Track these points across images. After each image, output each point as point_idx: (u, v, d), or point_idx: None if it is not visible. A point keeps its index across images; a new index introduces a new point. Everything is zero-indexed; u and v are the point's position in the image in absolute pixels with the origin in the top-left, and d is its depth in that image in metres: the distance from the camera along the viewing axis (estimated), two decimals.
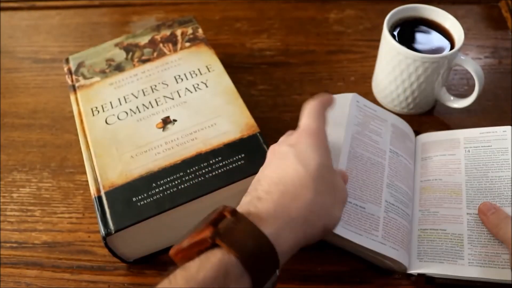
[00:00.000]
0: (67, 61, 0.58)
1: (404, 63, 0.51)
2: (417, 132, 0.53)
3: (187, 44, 0.57)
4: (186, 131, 0.47)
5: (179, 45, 0.57)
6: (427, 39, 0.54)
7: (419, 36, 0.54)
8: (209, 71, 0.53)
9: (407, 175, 0.48)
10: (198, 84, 0.52)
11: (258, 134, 0.46)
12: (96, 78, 0.55)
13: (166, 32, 0.59)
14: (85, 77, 0.55)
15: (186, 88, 0.52)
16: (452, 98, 0.55)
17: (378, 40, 0.55)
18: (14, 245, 0.49)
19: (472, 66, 0.51)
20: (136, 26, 0.70)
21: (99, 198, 0.43)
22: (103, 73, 0.55)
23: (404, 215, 0.45)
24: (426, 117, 0.57)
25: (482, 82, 0.51)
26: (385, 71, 0.55)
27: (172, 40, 0.58)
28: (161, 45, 0.57)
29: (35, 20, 0.73)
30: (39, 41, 0.69)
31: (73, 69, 0.57)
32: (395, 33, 0.54)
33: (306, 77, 0.62)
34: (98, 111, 0.51)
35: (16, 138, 0.59)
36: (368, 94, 0.59)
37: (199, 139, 0.47)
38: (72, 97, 0.53)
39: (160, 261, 0.46)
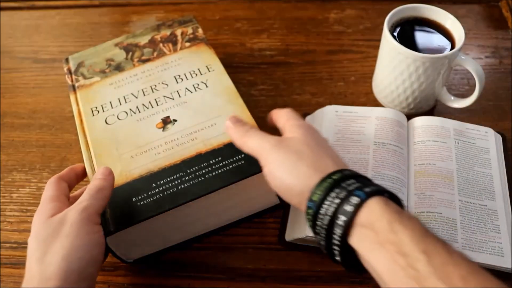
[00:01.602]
0: (67, 61, 0.58)
1: (404, 63, 0.51)
2: (409, 117, 0.53)
3: (187, 44, 0.57)
4: (186, 131, 0.47)
5: (179, 45, 0.57)
6: (427, 39, 0.54)
7: (419, 36, 0.54)
8: (209, 71, 0.53)
9: (398, 161, 0.49)
10: (198, 84, 0.52)
11: None
12: (96, 78, 0.55)
13: (166, 32, 0.59)
14: (85, 77, 0.55)
15: (186, 88, 0.52)
16: (452, 98, 0.55)
17: (379, 40, 0.55)
18: (14, 245, 0.49)
19: (472, 66, 0.50)
20: (136, 25, 0.70)
21: None
22: (103, 73, 0.55)
23: None
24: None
25: (482, 82, 0.51)
26: (385, 71, 0.54)
27: (172, 40, 0.58)
28: (161, 45, 0.57)
29: (35, 20, 0.73)
30: (39, 41, 0.69)
31: (72, 69, 0.56)
32: (396, 33, 0.54)
33: (306, 77, 0.62)
34: (98, 111, 0.51)
35: (16, 138, 0.59)
36: (368, 94, 0.59)
37: (199, 139, 0.46)
38: (72, 97, 0.53)
39: (160, 261, 0.46)
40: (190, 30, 0.59)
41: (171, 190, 0.43)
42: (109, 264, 0.46)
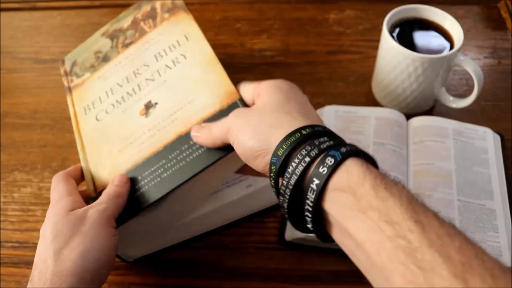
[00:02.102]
0: (63, 62, 0.56)
1: (403, 63, 0.51)
2: (408, 117, 0.54)
3: (166, 15, 0.53)
4: (167, 113, 0.44)
5: (158, 19, 0.53)
6: (426, 39, 0.54)
7: (418, 37, 0.54)
8: (187, 40, 0.49)
9: (397, 161, 0.49)
10: (177, 58, 0.48)
11: (238, 101, 0.41)
12: (87, 74, 0.52)
13: (147, 8, 0.55)
14: (77, 76, 0.53)
15: (166, 65, 0.48)
16: (451, 98, 0.55)
17: (378, 41, 0.55)
18: (16, 244, 0.49)
19: (471, 66, 0.51)
20: None
21: (94, 199, 0.41)
22: (93, 67, 0.53)
23: None
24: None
25: (481, 82, 0.51)
26: (384, 71, 0.55)
27: (152, 15, 0.54)
28: (141, 23, 0.54)
29: (36, 20, 0.73)
30: (40, 41, 0.69)
31: (68, 69, 0.55)
32: (395, 33, 0.54)
33: (306, 77, 0.62)
34: (90, 109, 0.49)
35: (17, 138, 0.59)
36: (368, 94, 0.60)
37: (179, 119, 0.43)
38: (69, 99, 0.52)
39: (160, 261, 0.47)
40: (169, 0, 0.54)
41: (155, 181, 0.40)
42: None
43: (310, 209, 0.30)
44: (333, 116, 0.53)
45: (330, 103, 0.56)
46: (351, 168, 0.29)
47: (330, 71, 0.63)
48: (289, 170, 0.31)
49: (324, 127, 0.33)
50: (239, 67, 0.64)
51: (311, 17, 0.70)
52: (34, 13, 0.74)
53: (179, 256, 0.47)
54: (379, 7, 0.70)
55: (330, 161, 0.29)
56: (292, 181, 0.30)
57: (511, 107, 0.57)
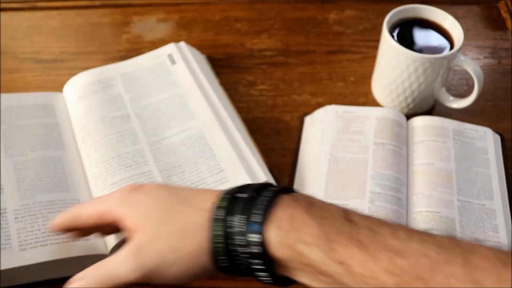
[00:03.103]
0: None
1: (403, 64, 0.51)
2: (408, 117, 0.54)
3: None
4: None
5: None
6: (426, 39, 0.54)
7: (418, 37, 0.54)
8: None
9: (397, 161, 0.49)
10: None
11: None
12: None
13: None
14: None
15: None
16: (451, 98, 0.55)
17: (378, 41, 0.55)
18: None
19: (471, 66, 0.51)
20: (136, 26, 0.70)
21: None
22: None
23: (394, 200, 0.46)
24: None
25: (481, 82, 0.51)
26: (384, 71, 0.55)
27: None
28: None
29: (36, 20, 0.73)
30: (40, 41, 0.69)
31: None
32: (395, 33, 0.54)
33: (306, 77, 0.62)
34: None
35: None
36: (367, 94, 0.60)
37: None
38: None
39: None
40: None
41: None
42: None
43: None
44: (333, 116, 0.53)
45: (330, 103, 0.56)
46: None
47: (330, 71, 0.63)
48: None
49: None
50: (239, 67, 0.64)
51: (311, 17, 0.70)
52: (34, 13, 0.74)
53: None
54: (379, 7, 0.70)
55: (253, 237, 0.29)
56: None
57: (511, 107, 0.57)
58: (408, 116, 0.54)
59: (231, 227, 0.30)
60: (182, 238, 0.31)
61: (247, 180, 0.45)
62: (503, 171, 0.50)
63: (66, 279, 0.44)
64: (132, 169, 0.47)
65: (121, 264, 0.31)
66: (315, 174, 0.49)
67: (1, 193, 0.45)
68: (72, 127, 0.52)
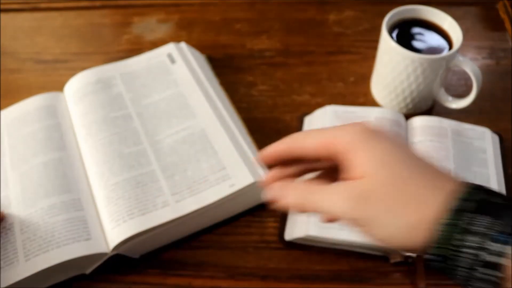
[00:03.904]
0: None
1: (402, 64, 0.52)
2: (407, 117, 0.54)
3: None
4: None
5: None
6: (425, 40, 0.54)
7: (417, 37, 0.55)
8: None
9: None
10: None
11: None
12: None
13: None
14: None
15: None
16: (450, 98, 0.56)
17: (377, 41, 0.55)
18: None
19: (470, 67, 0.51)
20: (137, 27, 0.70)
21: None
22: None
23: None
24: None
25: (480, 82, 0.51)
26: (384, 71, 0.55)
27: None
28: None
29: (38, 21, 0.73)
30: (41, 42, 0.70)
31: None
32: (394, 34, 0.54)
33: (305, 77, 0.63)
34: None
35: None
36: (367, 94, 0.60)
37: None
38: None
39: (161, 260, 0.47)
40: None
41: None
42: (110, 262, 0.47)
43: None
44: (333, 117, 0.53)
45: (329, 103, 0.56)
46: None
47: (330, 71, 0.63)
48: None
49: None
50: (239, 67, 0.64)
51: (311, 17, 0.71)
52: (35, 14, 0.74)
53: (179, 256, 0.47)
54: (379, 8, 0.70)
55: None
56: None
57: (509, 107, 0.58)
58: (407, 116, 0.54)
59: (471, 224, 0.27)
60: (407, 205, 0.29)
61: (249, 178, 0.45)
62: (502, 171, 0.50)
63: (66, 281, 0.45)
64: (135, 169, 0.47)
65: (338, 201, 0.30)
66: (315, 174, 0.49)
67: (10, 208, 0.45)
68: (73, 127, 0.52)
